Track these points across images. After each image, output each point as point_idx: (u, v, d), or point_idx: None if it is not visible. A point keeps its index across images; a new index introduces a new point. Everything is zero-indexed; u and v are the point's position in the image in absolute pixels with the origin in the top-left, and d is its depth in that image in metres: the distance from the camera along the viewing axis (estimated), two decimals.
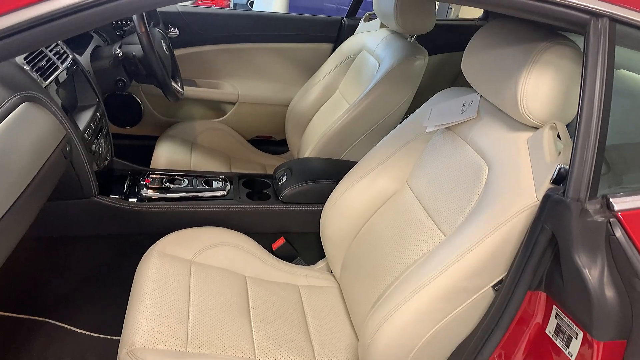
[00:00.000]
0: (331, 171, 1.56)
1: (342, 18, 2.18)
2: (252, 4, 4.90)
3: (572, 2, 0.81)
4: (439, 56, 2.15)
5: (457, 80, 2.30)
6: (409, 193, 1.25)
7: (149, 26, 1.72)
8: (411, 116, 1.35)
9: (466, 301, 0.95)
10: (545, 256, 0.85)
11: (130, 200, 1.40)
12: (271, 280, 1.37)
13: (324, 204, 1.41)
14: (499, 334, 0.92)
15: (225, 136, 2.09)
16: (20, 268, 1.35)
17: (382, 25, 1.92)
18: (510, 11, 0.85)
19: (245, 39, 2.10)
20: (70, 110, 1.36)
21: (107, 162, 1.43)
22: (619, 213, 0.79)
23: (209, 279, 1.26)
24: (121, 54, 1.55)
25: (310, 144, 1.78)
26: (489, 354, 0.93)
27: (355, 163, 1.40)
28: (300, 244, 1.53)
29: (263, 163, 2.08)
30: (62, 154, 1.14)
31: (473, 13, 2.45)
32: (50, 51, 1.29)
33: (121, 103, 2.07)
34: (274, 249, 1.48)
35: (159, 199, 1.44)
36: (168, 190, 1.47)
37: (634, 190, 0.82)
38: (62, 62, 1.31)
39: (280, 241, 1.49)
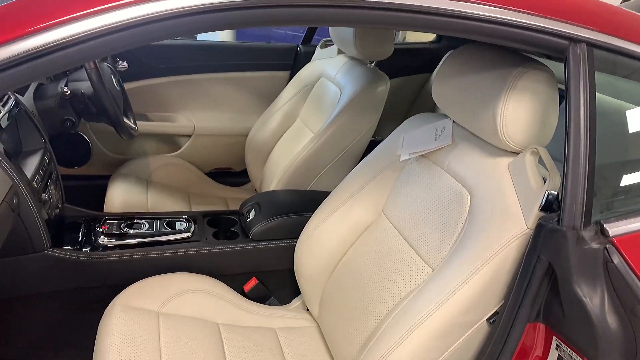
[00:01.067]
0: (301, 203, 1.51)
1: (298, 45, 2.15)
2: None
3: (550, 29, 0.81)
4: (397, 80, 2.16)
5: (416, 103, 2.32)
6: (386, 223, 1.21)
7: (97, 61, 1.63)
8: (382, 144, 1.33)
9: (462, 337, 0.92)
10: (542, 287, 0.83)
11: (86, 250, 1.28)
12: (246, 326, 1.28)
13: (296, 238, 1.35)
14: None
15: (182, 171, 1.99)
16: None
17: (340, 52, 1.90)
18: (489, 39, 0.83)
19: (197, 69, 2.03)
20: (14, 156, 1.24)
21: (58, 210, 1.31)
22: (614, 239, 0.78)
23: (180, 331, 1.16)
24: (69, 92, 1.44)
25: (275, 175, 1.72)
26: None
27: (324, 193, 1.36)
28: (273, 283, 1.46)
29: (224, 197, 1.99)
30: (9, 208, 1.03)
31: (422, 36, 2.49)
32: None
33: (67, 142, 1.93)
34: (246, 291, 1.40)
35: (118, 247, 1.33)
36: (127, 236, 1.36)
37: (625, 213, 0.81)
38: (2, 105, 1.19)
39: (253, 282, 1.41)
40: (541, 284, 0.82)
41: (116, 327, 1.12)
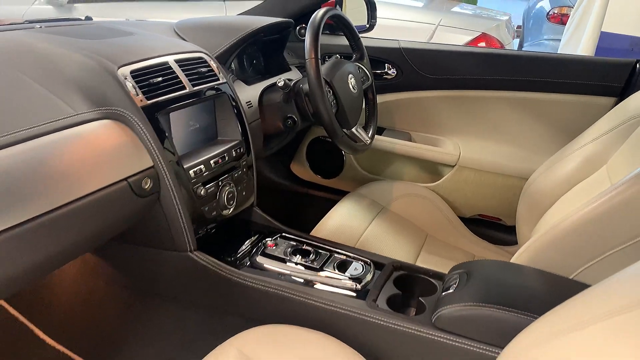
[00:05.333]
0: (538, 297, 0.90)
1: (638, 61, 1.42)
2: None
3: None
4: None
5: None
6: None
7: (350, 59, 1.42)
8: None
9: None
10: None
11: (237, 267, 1.06)
12: None
13: (502, 347, 0.79)
14: None
15: (430, 207, 1.58)
16: (112, 316, 1.17)
17: None
18: None
19: (480, 84, 1.57)
20: (198, 143, 1.14)
21: (229, 211, 1.14)
22: None
23: None
24: (283, 82, 1.26)
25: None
26: None
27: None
28: None
29: (473, 253, 1.48)
30: (130, 188, 0.89)
31: None
32: (188, 68, 1.08)
33: (323, 151, 1.81)
34: None
35: (266, 272, 1.06)
36: (288, 263, 1.08)
37: None
38: (198, 83, 1.09)
39: None
40: None
41: None
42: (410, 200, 1.59)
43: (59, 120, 0.84)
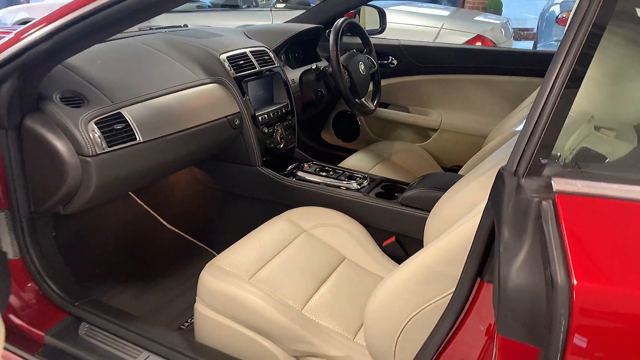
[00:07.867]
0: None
1: None
2: None
3: None
4: None
5: None
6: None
7: (360, 53, 2.08)
8: None
9: (446, 291, 0.89)
10: (486, 240, 0.76)
11: (284, 176, 1.74)
12: (366, 269, 1.46)
13: None
14: (447, 323, 0.83)
15: (418, 159, 2.22)
16: (209, 208, 1.86)
17: None
18: None
19: (455, 70, 2.21)
20: (262, 102, 1.82)
21: (281, 146, 1.82)
22: (558, 195, 0.66)
23: (309, 247, 1.46)
24: (315, 66, 1.93)
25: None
26: (436, 345, 0.85)
27: None
28: (415, 250, 1.55)
29: None
30: (228, 123, 1.58)
31: None
32: (257, 56, 1.77)
33: (345, 122, 2.48)
34: (383, 245, 1.56)
35: (305, 180, 1.73)
36: (316, 175, 1.75)
37: (594, 175, 0.66)
38: (262, 65, 1.77)
39: (391, 240, 1.55)
40: (489, 236, 0.76)
41: (271, 226, 1.52)
42: (404, 154, 2.24)
43: (190, 82, 1.53)
